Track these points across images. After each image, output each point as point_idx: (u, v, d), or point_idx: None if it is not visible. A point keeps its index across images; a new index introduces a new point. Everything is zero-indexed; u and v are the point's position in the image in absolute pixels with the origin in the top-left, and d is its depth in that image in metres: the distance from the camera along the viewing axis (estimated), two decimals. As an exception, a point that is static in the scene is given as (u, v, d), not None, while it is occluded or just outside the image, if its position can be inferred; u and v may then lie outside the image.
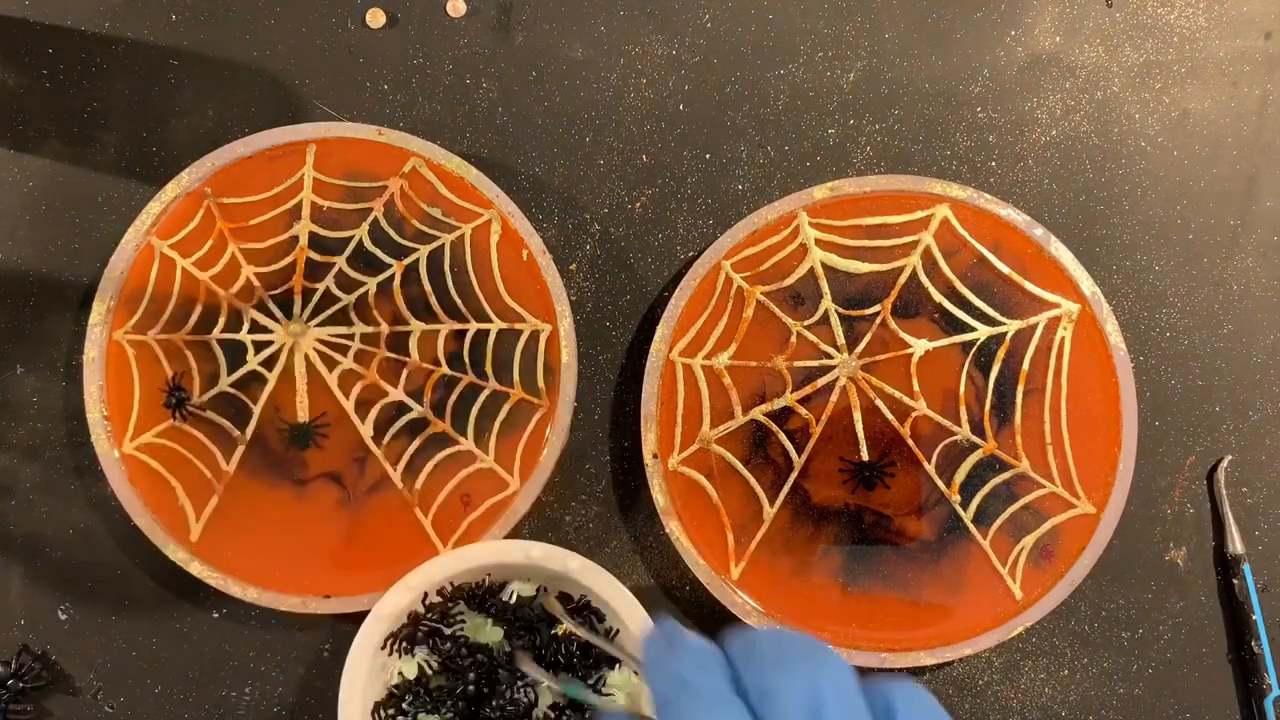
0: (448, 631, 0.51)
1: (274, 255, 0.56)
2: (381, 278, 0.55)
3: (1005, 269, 0.55)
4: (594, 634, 0.50)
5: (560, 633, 0.50)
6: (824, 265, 0.55)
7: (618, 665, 0.51)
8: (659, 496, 0.54)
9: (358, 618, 0.51)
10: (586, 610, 0.52)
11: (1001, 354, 0.55)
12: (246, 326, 0.55)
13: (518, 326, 0.55)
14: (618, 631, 0.51)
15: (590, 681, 0.50)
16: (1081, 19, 0.60)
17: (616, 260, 0.58)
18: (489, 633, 0.52)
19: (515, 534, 0.55)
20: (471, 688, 0.50)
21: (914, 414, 0.54)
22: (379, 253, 0.55)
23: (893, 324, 0.55)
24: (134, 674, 0.56)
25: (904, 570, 0.54)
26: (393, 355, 0.55)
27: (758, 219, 0.56)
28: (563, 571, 0.50)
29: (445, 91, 0.59)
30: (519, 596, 0.52)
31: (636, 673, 0.51)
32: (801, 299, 0.55)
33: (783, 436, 0.55)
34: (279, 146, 0.56)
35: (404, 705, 0.51)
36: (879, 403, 0.55)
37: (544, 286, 0.55)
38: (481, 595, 0.52)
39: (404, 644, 0.51)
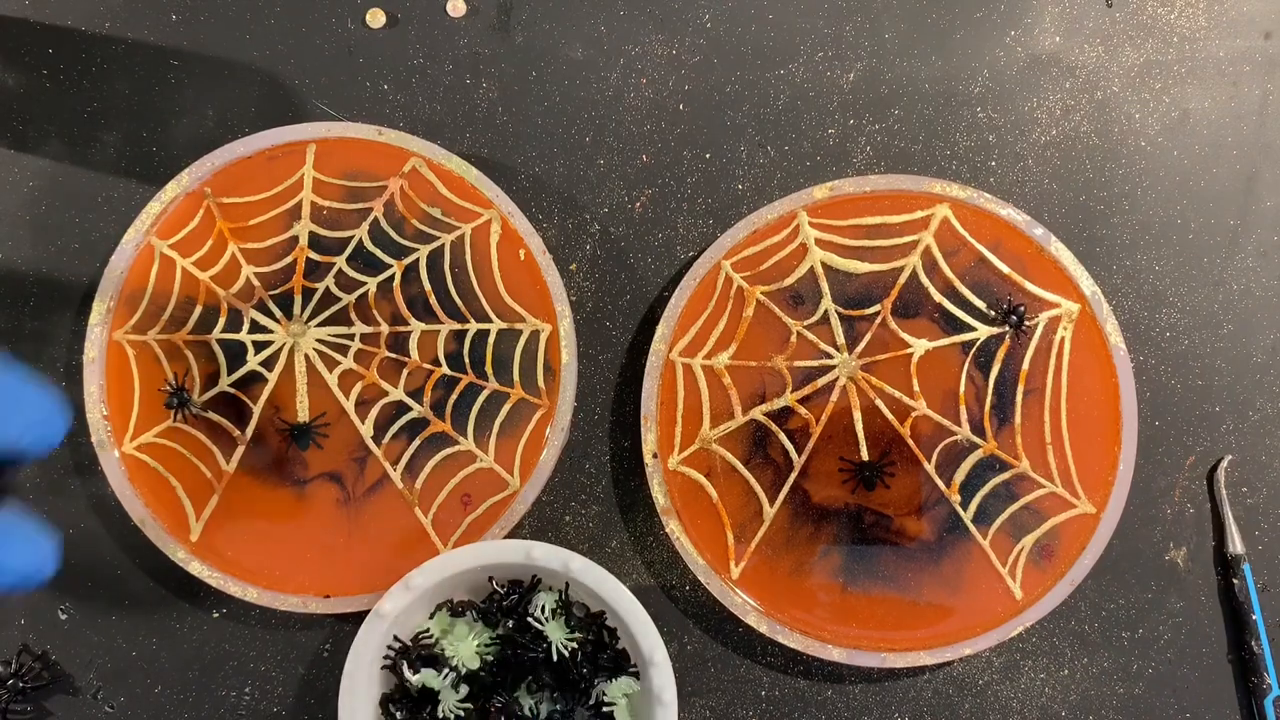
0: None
1: (274, 255, 0.56)
2: (381, 278, 0.55)
3: (1005, 269, 0.55)
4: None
5: (563, 644, 0.50)
6: (824, 265, 0.55)
7: (618, 676, 0.51)
8: (659, 496, 0.54)
9: (358, 617, 0.51)
10: (600, 627, 0.51)
11: (1001, 354, 0.55)
12: (246, 326, 0.55)
13: (518, 326, 0.55)
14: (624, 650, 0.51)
15: (592, 695, 0.50)
16: (1081, 19, 0.60)
17: (616, 260, 0.58)
18: (475, 650, 0.52)
19: (515, 534, 0.55)
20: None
21: (914, 414, 0.54)
22: (379, 253, 0.55)
23: (893, 324, 0.55)
24: (134, 674, 0.56)
25: (904, 570, 0.54)
26: (393, 355, 0.55)
27: (758, 219, 0.56)
28: (563, 571, 0.50)
29: (445, 91, 0.59)
30: (547, 608, 0.51)
31: (637, 675, 0.51)
32: (801, 299, 0.55)
33: (783, 436, 0.55)
34: (279, 146, 0.56)
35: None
36: (879, 402, 0.55)
37: (544, 286, 0.55)
38: (499, 605, 0.52)
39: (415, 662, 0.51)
